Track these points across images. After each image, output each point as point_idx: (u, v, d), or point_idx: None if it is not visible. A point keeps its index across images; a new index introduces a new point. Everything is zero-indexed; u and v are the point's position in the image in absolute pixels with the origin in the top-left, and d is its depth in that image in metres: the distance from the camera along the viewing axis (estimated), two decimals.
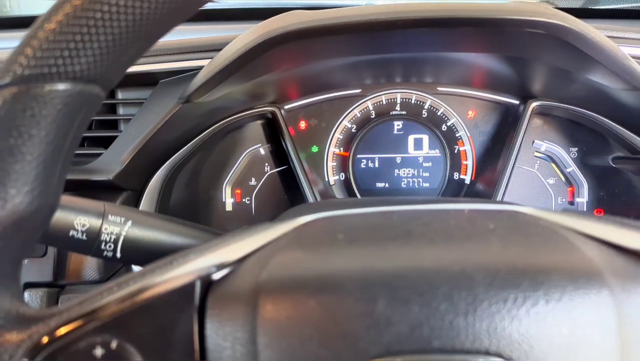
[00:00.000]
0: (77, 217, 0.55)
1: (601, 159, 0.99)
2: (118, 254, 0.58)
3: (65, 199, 0.57)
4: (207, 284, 0.42)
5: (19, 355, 0.39)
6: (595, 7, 1.37)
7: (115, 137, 0.87)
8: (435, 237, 0.43)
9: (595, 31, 0.69)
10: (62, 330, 0.39)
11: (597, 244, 0.42)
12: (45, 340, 0.39)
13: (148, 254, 0.59)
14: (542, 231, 0.44)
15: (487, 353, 0.35)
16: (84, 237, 0.56)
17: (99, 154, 0.86)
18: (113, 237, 0.57)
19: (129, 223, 0.58)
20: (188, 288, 0.41)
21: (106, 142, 0.87)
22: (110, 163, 0.82)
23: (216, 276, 0.43)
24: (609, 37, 0.73)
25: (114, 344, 0.39)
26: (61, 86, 0.38)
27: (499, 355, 0.35)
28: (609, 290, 0.37)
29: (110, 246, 0.57)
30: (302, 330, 0.37)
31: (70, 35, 0.37)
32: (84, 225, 0.56)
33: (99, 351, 0.39)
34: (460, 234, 0.43)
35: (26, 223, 0.40)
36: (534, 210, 0.49)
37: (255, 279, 0.40)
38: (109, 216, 0.57)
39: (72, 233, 0.55)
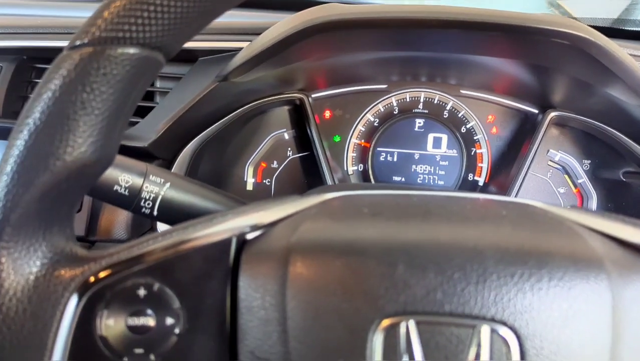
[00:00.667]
0: (122, 174, 0.60)
1: (612, 172, 1.02)
2: (155, 212, 0.62)
3: None
4: (242, 242, 0.47)
5: (71, 288, 0.43)
6: (622, 28, 1.40)
7: (151, 108, 0.92)
8: (452, 217, 0.47)
9: (618, 47, 0.72)
10: (111, 270, 0.44)
11: (600, 237, 0.46)
12: (95, 278, 0.43)
13: (182, 215, 0.64)
14: (549, 221, 0.48)
15: (493, 320, 0.39)
16: (126, 193, 0.60)
17: (136, 123, 0.90)
18: (152, 195, 0.62)
19: (168, 184, 0.63)
20: (225, 243, 0.46)
21: (142, 112, 0.92)
22: (146, 132, 0.87)
23: (250, 236, 0.47)
24: (631, 55, 0.76)
25: (155, 287, 0.44)
26: (131, 50, 0.42)
27: (503, 323, 0.39)
28: (607, 275, 0.41)
29: (149, 204, 0.62)
30: (327, 285, 0.41)
31: (145, 5, 0.41)
32: (127, 182, 0.60)
33: (142, 292, 0.43)
34: (475, 216, 0.47)
35: (87, 170, 0.44)
36: (544, 205, 0.53)
37: (287, 240, 0.45)
38: (150, 176, 0.62)
39: (116, 187, 0.60)
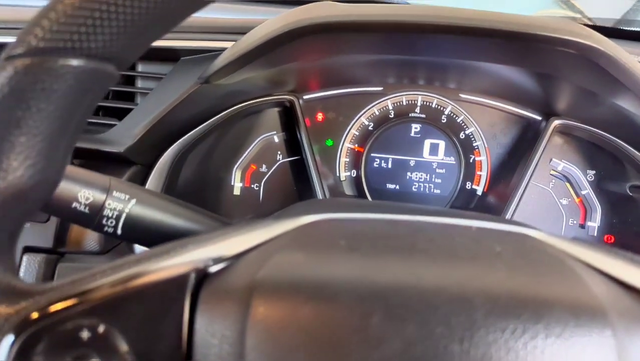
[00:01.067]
0: (82, 190, 0.55)
1: (618, 185, 0.97)
2: (119, 231, 0.57)
3: (72, 170, 0.57)
4: (203, 276, 0.42)
5: (5, 329, 0.38)
6: (628, 29, 1.34)
7: (131, 109, 0.87)
8: (439, 254, 0.42)
9: (629, 56, 0.67)
10: (51, 309, 0.39)
11: (605, 280, 0.41)
12: (33, 316, 0.38)
13: (149, 234, 0.59)
14: (548, 260, 0.42)
15: None
16: (87, 210, 0.55)
17: (113, 125, 0.85)
18: (115, 213, 0.57)
19: (133, 201, 0.57)
20: (182, 278, 0.41)
21: (121, 114, 0.87)
22: (123, 136, 0.82)
23: (213, 269, 0.42)
24: None
25: (101, 328, 0.39)
26: (75, 62, 0.37)
27: None
28: (612, 330, 0.35)
29: (111, 222, 0.57)
30: (292, 337, 0.36)
31: (90, 11, 0.36)
32: (87, 198, 0.55)
33: (85, 334, 0.38)
34: (465, 254, 0.42)
35: (26, 196, 0.39)
36: (544, 235, 0.48)
37: (251, 277, 0.40)
38: (114, 192, 0.57)
39: (75, 205, 0.55)
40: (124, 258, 0.42)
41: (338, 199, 0.98)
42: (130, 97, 0.92)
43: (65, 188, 0.54)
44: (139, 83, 0.93)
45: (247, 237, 0.45)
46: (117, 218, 0.57)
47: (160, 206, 0.60)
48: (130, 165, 0.85)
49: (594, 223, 1.02)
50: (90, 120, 0.87)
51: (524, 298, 0.36)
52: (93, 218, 0.56)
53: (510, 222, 0.54)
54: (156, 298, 0.40)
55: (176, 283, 0.40)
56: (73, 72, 0.37)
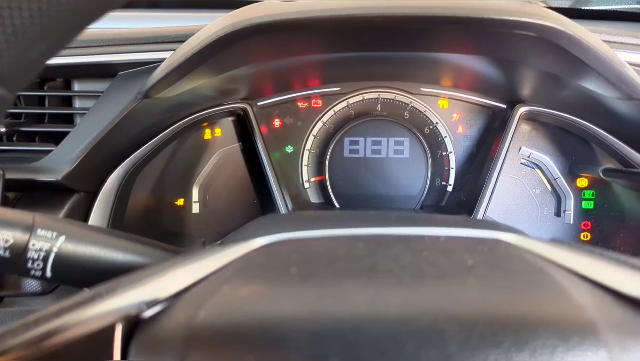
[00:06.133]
0: None
1: (591, 170, 0.93)
2: (48, 274, 0.50)
3: None
4: (134, 324, 0.36)
5: None
6: (586, 8, 1.32)
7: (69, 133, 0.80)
8: (404, 275, 0.36)
9: (591, 35, 0.63)
10: None
11: (591, 288, 0.36)
12: None
13: (84, 274, 0.52)
14: (527, 269, 0.38)
15: None
16: (7, 254, 0.48)
17: (48, 152, 0.78)
18: (42, 254, 0.50)
19: (62, 238, 0.51)
20: (107, 331, 0.35)
21: (59, 138, 0.79)
22: (60, 162, 0.75)
23: (147, 314, 0.36)
24: (605, 41, 0.67)
25: None
26: None
27: None
28: (607, 351, 0.31)
29: (38, 265, 0.50)
30: None
31: None
32: (6, 241, 0.48)
33: None
34: (433, 272, 0.36)
35: None
36: (519, 238, 0.44)
37: (188, 323, 0.34)
38: (38, 230, 0.50)
39: None
40: (41, 310, 0.36)
41: (296, 213, 0.92)
42: (68, 119, 0.85)
43: None
44: (77, 103, 0.85)
45: (187, 271, 0.40)
46: (45, 259, 0.50)
47: (95, 240, 0.53)
48: (71, 194, 0.78)
49: (569, 211, 0.98)
50: (23, 148, 0.80)
51: (502, 322, 0.31)
52: (15, 262, 0.49)
53: (482, 224, 0.49)
54: (77, 359, 0.34)
55: (100, 338, 0.35)
56: None
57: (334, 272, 0.37)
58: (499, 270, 0.37)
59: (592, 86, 0.70)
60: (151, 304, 0.37)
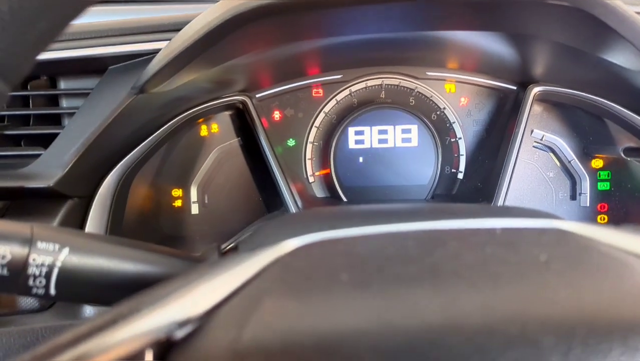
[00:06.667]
0: None
1: (609, 149, 0.89)
2: (52, 291, 0.45)
3: None
4: (166, 348, 0.31)
5: None
6: None
7: (58, 134, 0.73)
8: (474, 277, 0.32)
9: (624, 5, 0.59)
10: None
11: None
12: None
13: (92, 289, 0.47)
14: (608, 263, 0.33)
15: None
16: (5, 272, 0.43)
17: (39, 155, 0.72)
18: (44, 270, 0.44)
19: (65, 250, 0.45)
20: (136, 359, 0.30)
21: (47, 141, 0.73)
22: (51, 166, 0.69)
23: (179, 334, 0.31)
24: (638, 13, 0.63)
25: None
26: None
27: None
28: None
29: (40, 282, 0.44)
30: None
31: None
32: (4, 257, 0.43)
33: None
34: (507, 272, 0.32)
35: None
36: (579, 226, 0.39)
37: (233, 345, 0.29)
38: (38, 243, 0.44)
39: None
40: (51, 341, 0.31)
41: (317, 210, 0.87)
42: (56, 120, 0.79)
43: None
44: (64, 103, 0.79)
45: (216, 283, 0.35)
46: (48, 275, 0.44)
47: (103, 250, 0.48)
48: (65, 200, 0.72)
49: (585, 193, 0.95)
50: (9, 153, 0.74)
51: (605, 326, 0.27)
52: (15, 280, 0.43)
53: (526, 212, 0.45)
54: None
55: None
56: None
57: (391, 277, 0.32)
58: (578, 265, 0.33)
59: (620, 59, 0.66)
60: (183, 324, 0.32)
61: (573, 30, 0.65)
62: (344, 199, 0.97)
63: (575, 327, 0.27)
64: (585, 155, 0.94)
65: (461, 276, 0.32)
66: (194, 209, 0.96)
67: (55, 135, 0.73)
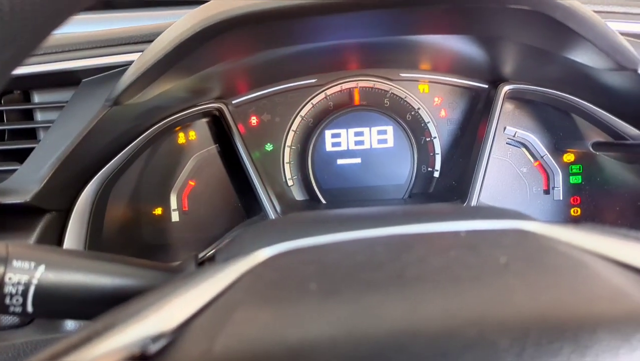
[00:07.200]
0: None
1: (578, 144, 0.92)
2: (29, 309, 0.45)
3: None
4: None
5: None
6: None
7: (33, 149, 0.73)
8: (437, 280, 0.33)
9: (582, 5, 0.60)
10: None
11: (636, 277, 0.34)
12: None
13: (70, 305, 0.47)
14: (565, 262, 0.35)
15: None
16: None
17: (14, 170, 0.72)
18: (21, 288, 0.45)
19: (41, 267, 0.46)
20: None
21: (23, 156, 0.73)
22: (27, 181, 0.69)
23: (153, 348, 0.32)
24: (596, 12, 0.65)
25: None
26: None
27: None
28: None
29: (17, 300, 0.45)
30: None
31: None
32: None
33: None
34: (468, 274, 0.33)
35: None
36: (540, 226, 0.41)
37: (204, 357, 0.30)
38: (14, 262, 0.45)
39: None
40: (28, 358, 0.32)
41: (291, 217, 0.88)
42: (31, 134, 0.78)
43: None
44: (39, 116, 0.79)
45: (190, 296, 0.35)
46: (24, 293, 0.45)
47: (78, 266, 0.48)
48: (43, 214, 0.72)
49: (558, 186, 0.97)
50: None
51: (557, 326, 0.28)
52: None
53: (492, 212, 0.47)
54: None
55: None
56: None
57: (359, 284, 0.34)
58: (536, 266, 0.34)
59: (583, 58, 0.68)
60: (157, 338, 0.32)
61: (537, 32, 0.67)
62: (323, 201, 0.98)
63: (529, 328, 0.28)
64: (557, 150, 0.96)
65: (425, 281, 0.33)
66: (174, 216, 0.97)
67: (30, 149, 0.73)
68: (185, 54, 0.65)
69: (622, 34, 0.66)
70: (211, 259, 0.50)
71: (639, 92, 0.71)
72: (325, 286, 0.33)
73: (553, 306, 0.30)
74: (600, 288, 0.31)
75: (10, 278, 0.45)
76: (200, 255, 0.76)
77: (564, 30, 0.61)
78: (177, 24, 0.66)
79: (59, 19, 0.29)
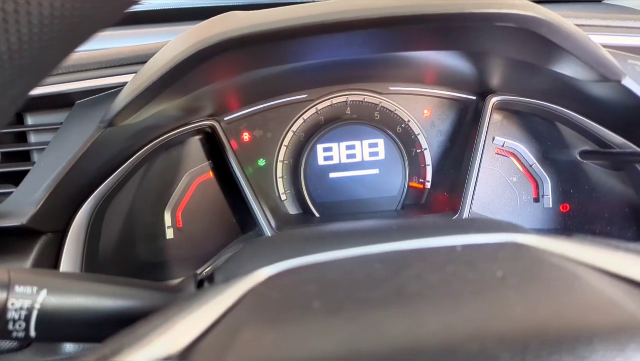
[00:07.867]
0: None
1: (566, 153, 0.94)
2: (32, 333, 0.46)
3: None
4: None
5: None
6: None
7: (28, 171, 0.74)
8: (436, 296, 0.34)
9: (566, 20, 0.62)
10: None
11: (628, 287, 0.35)
12: None
13: (73, 328, 0.48)
14: (560, 275, 0.36)
15: None
16: None
17: (10, 193, 0.72)
18: (24, 313, 0.45)
19: (43, 292, 0.46)
20: None
21: (17, 178, 0.74)
22: (23, 204, 0.69)
23: None
24: (578, 25, 0.67)
25: None
26: None
27: None
28: None
29: (20, 325, 0.45)
30: None
31: None
32: None
33: None
34: (466, 289, 0.34)
35: None
36: (534, 238, 0.42)
37: None
38: (16, 287, 0.45)
39: None
40: None
41: (288, 234, 0.89)
42: (25, 156, 0.79)
43: None
44: (32, 138, 0.80)
45: (194, 318, 0.36)
46: (27, 318, 0.45)
47: (80, 289, 0.48)
48: (39, 236, 0.72)
49: (547, 195, 0.99)
50: None
51: (556, 339, 0.29)
52: None
53: (486, 225, 0.48)
54: None
55: None
56: None
57: (361, 302, 0.34)
58: (532, 279, 0.35)
59: (568, 70, 0.70)
60: None
61: (524, 47, 0.68)
62: (317, 214, 0.99)
63: (528, 340, 0.29)
64: (545, 158, 0.98)
65: (424, 297, 0.34)
66: (169, 234, 0.97)
67: (25, 172, 0.74)
68: (178, 77, 0.65)
69: (604, 46, 0.68)
70: (210, 278, 0.51)
71: (622, 102, 0.73)
72: (328, 305, 0.34)
73: (550, 318, 0.31)
74: (595, 300, 0.33)
75: (12, 304, 0.45)
76: (198, 272, 0.76)
77: (549, 45, 0.63)
78: (171, 45, 0.67)
79: (66, 53, 0.30)
